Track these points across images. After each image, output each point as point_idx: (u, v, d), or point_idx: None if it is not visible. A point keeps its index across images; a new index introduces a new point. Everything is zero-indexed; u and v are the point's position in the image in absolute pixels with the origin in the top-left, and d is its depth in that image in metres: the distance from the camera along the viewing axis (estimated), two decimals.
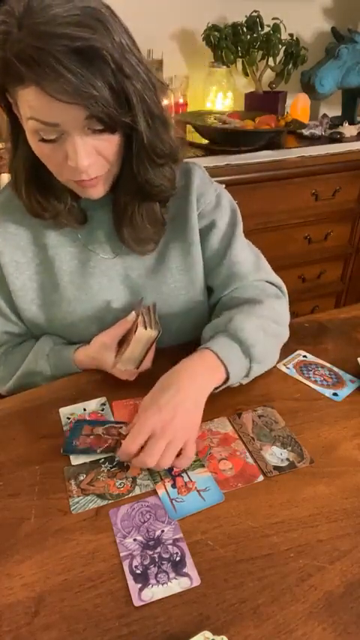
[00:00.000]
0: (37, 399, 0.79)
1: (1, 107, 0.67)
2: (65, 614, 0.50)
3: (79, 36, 0.55)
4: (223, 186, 0.90)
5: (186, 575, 0.53)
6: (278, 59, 1.91)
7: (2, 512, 0.60)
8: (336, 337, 0.93)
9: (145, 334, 0.73)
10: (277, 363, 0.83)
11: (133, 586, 0.52)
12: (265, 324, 0.77)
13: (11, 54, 0.57)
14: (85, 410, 0.76)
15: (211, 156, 1.62)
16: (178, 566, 0.54)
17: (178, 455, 0.63)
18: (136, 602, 0.51)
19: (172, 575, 0.53)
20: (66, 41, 0.55)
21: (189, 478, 0.64)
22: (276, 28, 1.81)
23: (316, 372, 0.83)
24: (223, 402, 0.74)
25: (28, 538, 0.57)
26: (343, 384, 0.80)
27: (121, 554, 0.55)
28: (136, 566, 0.54)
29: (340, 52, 1.81)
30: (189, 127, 1.77)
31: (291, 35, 1.89)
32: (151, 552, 0.55)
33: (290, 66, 1.91)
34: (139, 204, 0.76)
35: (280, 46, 1.85)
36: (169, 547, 0.56)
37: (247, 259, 0.87)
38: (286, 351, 0.84)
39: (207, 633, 0.46)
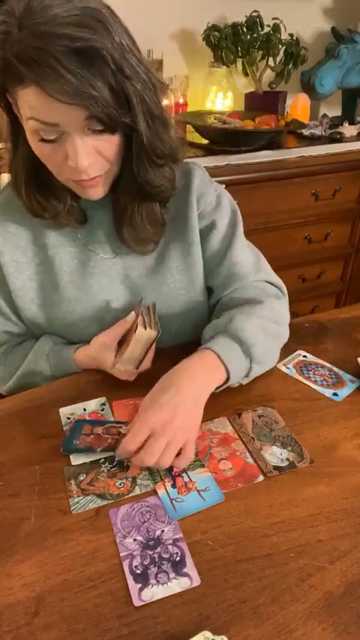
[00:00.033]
0: (37, 399, 0.79)
1: (1, 107, 0.67)
2: (65, 614, 0.50)
3: (79, 36, 0.55)
4: (223, 186, 0.90)
5: (186, 575, 0.53)
6: (278, 59, 1.91)
7: (2, 512, 0.60)
8: (336, 337, 0.93)
9: (144, 334, 0.73)
10: (277, 363, 0.83)
11: (133, 586, 0.52)
12: (265, 324, 0.77)
13: (11, 54, 0.57)
14: (85, 410, 0.76)
15: (211, 156, 1.62)
16: (178, 566, 0.54)
17: (178, 454, 0.63)
18: (136, 602, 0.51)
19: (172, 575, 0.53)
20: (66, 41, 0.55)
21: (189, 478, 0.64)
22: (276, 28, 1.81)
23: (316, 372, 0.83)
24: (223, 402, 0.74)
25: (28, 538, 0.57)
26: (343, 384, 0.80)
27: (121, 554, 0.55)
28: (136, 566, 0.54)
29: (340, 52, 1.81)
30: (189, 127, 1.77)
31: (291, 35, 1.89)
32: (151, 552, 0.55)
33: (290, 66, 1.91)
34: (139, 204, 0.76)
35: (280, 46, 1.85)
36: (169, 547, 0.56)
37: (247, 260, 0.87)
38: (286, 351, 0.84)
39: (207, 633, 0.46)
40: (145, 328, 0.73)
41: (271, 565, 0.54)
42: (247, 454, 0.67)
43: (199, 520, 0.59)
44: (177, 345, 0.88)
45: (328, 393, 0.78)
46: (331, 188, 1.79)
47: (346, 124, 1.93)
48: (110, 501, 0.61)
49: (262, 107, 1.91)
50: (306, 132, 1.88)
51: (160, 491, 0.62)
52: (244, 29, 1.81)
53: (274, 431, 0.71)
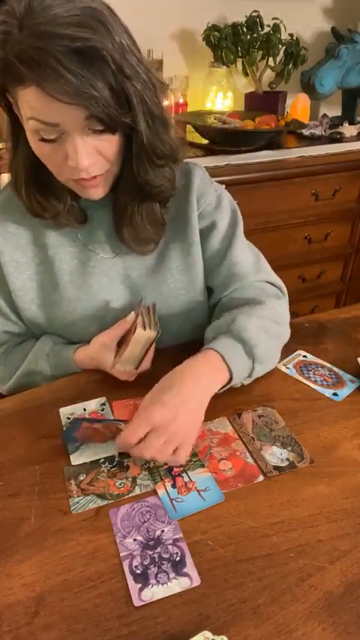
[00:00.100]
0: (37, 399, 0.79)
1: (1, 107, 0.67)
2: (65, 614, 0.50)
3: (79, 36, 0.55)
4: (224, 186, 0.90)
5: (186, 575, 0.53)
6: (278, 59, 1.91)
7: (2, 512, 0.60)
8: (336, 337, 0.93)
9: (144, 335, 0.73)
10: (277, 363, 0.83)
11: (133, 586, 0.52)
12: (266, 324, 0.77)
13: (12, 54, 0.57)
14: (85, 410, 0.76)
15: (211, 156, 1.62)
16: (178, 566, 0.54)
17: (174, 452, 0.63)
18: (136, 602, 0.51)
19: (172, 575, 0.53)
20: (66, 41, 0.55)
21: (189, 478, 0.64)
22: (276, 28, 1.81)
23: (316, 372, 0.83)
24: (223, 402, 0.74)
25: (28, 538, 0.57)
26: (343, 384, 0.80)
27: (121, 554, 0.55)
28: (136, 566, 0.54)
29: (340, 52, 1.81)
30: (189, 127, 1.77)
31: (291, 35, 1.89)
32: (151, 552, 0.55)
33: (290, 66, 1.91)
34: (139, 204, 0.76)
35: (280, 46, 1.85)
36: (169, 547, 0.56)
37: (248, 260, 0.87)
38: (286, 351, 0.84)
39: (207, 633, 0.46)
40: (145, 329, 0.73)
41: (271, 565, 0.54)
42: (247, 454, 0.67)
43: (199, 520, 0.59)
44: (177, 346, 0.88)
45: (328, 393, 0.78)
46: (331, 188, 1.79)
47: (346, 124, 1.93)
48: (110, 501, 0.61)
49: (262, 107, 1.91)
50: (306, 132, 1.88)
51: (160, 491, 0.62)
52: (244, 29, 1.81)
53: (274, 431, 0.71)
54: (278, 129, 1.75)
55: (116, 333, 0.78)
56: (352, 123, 1.97)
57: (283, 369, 0.83)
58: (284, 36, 1.85)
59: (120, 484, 0.63)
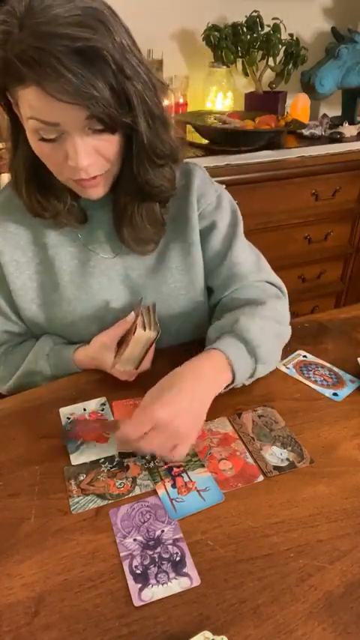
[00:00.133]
0: (37, 399, 0.79)
1: (1, 106, 0.68)
2: (65, 614, 0.50)
3: (80, 36, 0.55)
4: (224, 186, 0.90)
5: (186, 575, 0.53)
6: (278, 59, 1.91)
7: (2, 512, 0.60)
8: (336, 337, 0.93)
9: (143, 335, 0.73)
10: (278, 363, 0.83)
11: (133, 586, 0.52)
12: (269, 324, 0.77)
13: (12, 54, 0.57)
14: (85, 410, 0.76)
15: (211, 156, 1.62)
16: (178, 566, 0.54)
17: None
18: (136, 602, 0.51)
19: (172, 575, 0.53)
20: (67, 41, 0.55)
21: (189, 478, 0.64)
22: (276, 28, 1.81)
23: (316, 372, 0.83)
24: (223, 402, 0.74)
25: (28, 538, 0.57)
26: (343, 384, 0.80)
27: (121, 554, 0.55)
28: (136, 566, 0.54)
29: (340, 52, 1.81)
30: (189, 127, 1.77)
31: (291, 35, 1.89)
32: (151, 552, 0.55)
33: (290, 66, 1.91)
34: (138, 204, 0.76)
35: (280, 46, 1.85)
36: (169, 547, 0.56)
37: (248, 260, 0.87)
38: (286, 351, 0.84)
39: (207, 633, 0.46)
40: (145, 329, 0.73)
41: (271, 565, 0.54)
42: (247, 454, 0.67)
43: (199, 520, 0.59)
44: (177, 346, 0.88)
45: (328, 393, 0.78)
46: (331, 188, 1.79)
47: (346, 124, 1.93)
48: (110, 501, 0.61)
49: (262, 107, 1.91)
50: (306, 132, 1.88)
51: (160, 491, 0.62)
52: (244, 29, 1.81)
53: (274, 431, 0.71)
54: (278, 129, 1.75)
55: (116, 333, 0.78)
56: (352, 123, 1.97)
57: (283, 369, 0.83)
58: (284, 36, 1.85)
59: (120, 484, 0.63)
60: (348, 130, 1.90)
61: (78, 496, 0.62)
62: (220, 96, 1.95)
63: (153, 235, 0.81)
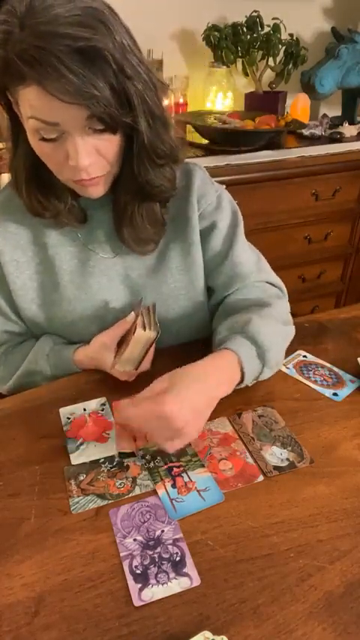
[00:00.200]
0: (37, 399, 0.79)
1: (1, 105, 0.67)
2: (65, 614, 0.50)
3: (80, 36, 0.55)
4: (224, 186, 0.90)
5: (186, 575, 0.53)
6: (278, 59, 1.91)
7: (2, 512, 0.60)
8: (336, 337, 0.93)
9: (143, 335, 0.73)
10: None
11: (133, 586, 0.52)
12: (277, 327, 0.76)
13: (13, 53, 0.57)
14: (85, 410, 0.76)
15: (211, 156, 1.62)
16: (178, 566, 0.54)
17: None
18: (136, 602, 0.51)
19: (172, 575, 0.53)
20: (68, 41, 0.55)
21: (189, 478, 0.64)
22: (276, 28, 1.81)
23: (316, 372, 0.83)
24: (223, 402, 0.74)
25: (28, 538, 0.57)
26: (343, 384, 0.80)
27: (121, 554, 0.55)
28: (136, 566, 0.54)
29: (340, 52, 1.81)
30: (189, 127, 1.77)
31: (291, 35, 1.89)
32: (151, 552, 0.55)
33: (290, 66, 1.91)
34: (139, 204, 0.76)
35: (280, 46, 1.85)
36: (169, 547, 0.56)
37: (249, 260, 0.87)
38: (286, 351, 0.84)
39: (207, 633, 0.46)
40: (145, 329, 0.73)
41: (271, 565, 0.54)
42: (247, 454, 0.67)
43: (199, 520, 0.59)
44: (177, 346, 0.88)
45: (328, 393, 0.78)
46: (331, 188, 1.79)
47: (346, 124, 1.93)
48: (110, 501, 0.61)
49: (262, 107, 1.91)
50: (306, 132, 1.88)
51: (160, 491, 0.62)
52: (244, 29, 1.81)
53: (274, 431, 0.71)
54: (278, 129, 1.75)
55: (116, 333, 0.78)
56: (352, 123, 1.97)
57: (283, 369, 0.83)
58: (284, 36, 1.85)
59: (120, 484, 0.63)
60: (348, 130, 1.90)
61: (78, 496, 0.62)
62: (220, 96, 1.95)
63: (153, 235, 0.81)
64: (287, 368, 0.84)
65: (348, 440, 0.70)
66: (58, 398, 0.78)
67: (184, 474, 0.64)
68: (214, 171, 1.43)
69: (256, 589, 0.52)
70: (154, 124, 0.67)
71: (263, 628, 0.48)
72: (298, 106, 1.97)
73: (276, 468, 0.65)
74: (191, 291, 0.88)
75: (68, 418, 0.74)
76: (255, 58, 1.86)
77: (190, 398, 0.62)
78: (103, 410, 0.76)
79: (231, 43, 1.80)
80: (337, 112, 2.13)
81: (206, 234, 0.86)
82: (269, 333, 0.73)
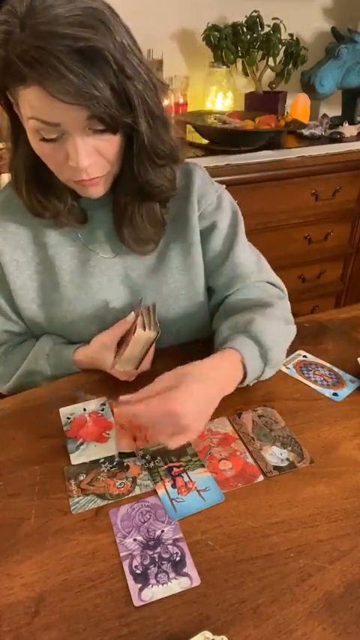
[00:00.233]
0: (37, 399, 0.79)
1: (1, 106, 0.67)
2: (65, 614, 0.50)
3: (81, 36, 0.55)
4: (224, 186, 0.90)
5: (186, 575, 0.53)
6: (278, 59, 1.91)
7: (2, 512, 0.60)
8: (336, 337, 0.93)
9: (143, 335, 0.73)
10: None
11: (133, 586, 0.52)
12: (280, 327, 0.77)
13: (13, 54, 0.57)
14: (85, 410, 0.76)
15: (211, 156, 1.62)
16: (178, 566, 0.54)
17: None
18: (136, 602, 0.51)
19: (172, 575, 0.53)
20: (68, 41, 0.55)
21: (189, 478, 0.64)
22: (276, 28, 1.81)
23: (316, 372, 0.83)
24: (223, 402, 0.74)
25: (28, 538, 0.57)
26: (343, 384, 0.80)
27: (121, 554, 0.55)
28: (136, 566, 0.54)
29: (340, 52, 1.81)
30: (189, 127, 1.77)
31: (291, 35, 1.89)
32: (151, 552, 0.55)
33: (290, 66, 1.91)
34: (139, 204, 0.76)
35: (280, 46, 1.85)
36: (169, 547, 0.56)
37: (250, 260, 0.87)
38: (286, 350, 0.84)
39: (207, 633, 0.46)
40: (145, 329, 0.73)
41: (271, 565, 0.54)
42: (247, 454, 0.67)
43: (199, 520, 0.59)
44: (177, 346, 0.88)
45: (328, 393, 0.78)
46: (331, 188, 1.79)
47: (346, 124, 1.93)
48: (110, 501, 0.61)
49: (262, 107, 1.91)
50: (306, 132, 1.88)
51: (160, 491, 0.62)
52: (244, 29, 1.81)
53: (274, 431, 0.71)
54: (278, 129, 1.75)
55: (116, 333, 0.78)
56: (352, 123, 1.97)
57: (283, 369, 0.83)
58: (284, 36, 1.85)
59: (120, 484, 0.63)
60: (348, 130, 1.90)
61: (78, 496, 0.62)
62: (220, 96, 1.95)
63: (153, 235, 0.81)
64: (287, 368, 0.84)
65: (348, 440, 0.70)
66: (58, 398, 0.78)
67: (184, 474, 0.64)
68: (214, 171, 1.43)
69: (256, 589, 0.52)
70: (154, 125, 0.67)
71: (263, 628, 0.48)
72: (298, 106, 1.97)
73: (276, 468, 0.65)
74: (191, 291, 0.88)
75: (68, 418, 0.74)
76: (255, 58, 1.86)
77: (198, 396, 0.62)
78: (103, 410, 0.76)
79: (231, 43, 1.80)
80: (337, 112, 2.13)
81: (206, 234, 0.86)
82: (272, 332, 0.73)
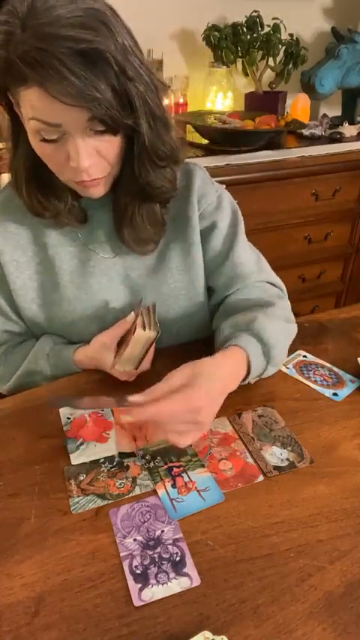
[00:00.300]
0: (37, 399, 0.79)
1: (1, 106, 0.67)
2: (65, 614, 0.50)
3: (82, 38, 0.55)
4: (224, 186, 0.90)
5: (186, 575, 0.53)
6: (278, 59, 1.91)
7: (2, 512, 0.60)
8: (336, 337, 0.93)
9: (143, 335, 0.73)
10: None
11: (133, 586, 0.52)
12: (281, 325, 0.77)
13: (15, 55, 0.56)
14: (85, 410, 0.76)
15: (211, 156, 1.62)
16: (178, 566, 0.54)
17: None
18: (136, 602, 0.51)
19: (172, 575, 0.53)
20: (70, 43, 0.55)
21: (189, 478, 0.64)
22: (276, 28, 1.81)
23: (316, 372, 0.83)
24: (223, 401, 0.74)
25: (28, 538, 0.57)
26: (343, 384, 0.80)
27: (121, 554, 0.55)
28: (136, 566, 0.54)
29: (340, 52, 1.81)
30: (189, 127, 1.77)
31: (291, 35, 1.89)
32: (151, 552, 0.55)
33: (290, 66, 1.91)
34: (139, 204, 0.76)
35: (280, 46, 1.85)
36: (169, 547, 0.56)
37: (250, 260, 0.87)
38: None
39: (207, 633, 0.46)
40: (145, 329, 0.73)
41: (271, 565, 0.54)
42: (247, 454, 0.67)
43: (199, 520, 0.59)
44: (177, 346, 0.88)
45: (328, 393, 0.78)
46: (331, 188, 1.79)
47: (346, 124, 1.93)
48: (110, 501, 0.61)
49: (262, 107, 1.91)
50: (306, 132, 1.88)
51: (160, 491, 0.62)
52: (244, 29, 1.81)
53: (274, 431, 0.71)
54: (278, 129, 1.75)
55: (116, 333, 0.78)
56: (352, 123, 1.97)
57: (283, 369, 0.83)
58: (284, 36, 1.85)
59: (120, 484, 0.63)
60: (348, 130, 1.90)
61: (78, 496, 0.62)
62: (220, 96, 1.95)
63: (153, 235, 0.81)
64: (287, 368, 0.84)
65: (348, 440, 0.70)
66: (57, 398, 0.78)
67: (184, 474, 0.65)
68: (214, 171, 1.43)
69: (256, 589, 0.52)
70: (155, 126, 0.67)
71: (263, 628, 0.48)
72: (298, 106, 1.97)
73: (276, 468, 0.65)
74: (191, 291, 0.88)
75: (68, 418, 0.74)
76: (255, 58, 1.86)
77: (213, 394, 0.62)
78: (103, 410, 0.76)
79: (231, 43, 1.80)
80: (337, 112, 2.13)
81: (206, 234, 0.86)
82: (274, 330, 0.74)
